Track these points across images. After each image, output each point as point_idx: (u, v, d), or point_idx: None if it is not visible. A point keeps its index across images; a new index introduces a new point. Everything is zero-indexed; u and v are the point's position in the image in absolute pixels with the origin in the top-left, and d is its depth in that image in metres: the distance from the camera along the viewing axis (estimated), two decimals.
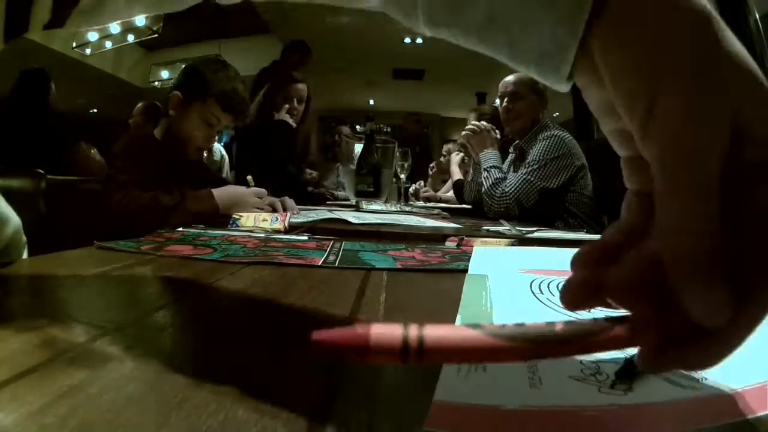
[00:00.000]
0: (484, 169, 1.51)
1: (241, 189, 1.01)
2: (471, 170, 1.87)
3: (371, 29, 4.52)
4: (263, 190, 1.03)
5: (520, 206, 1.42)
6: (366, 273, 0.45)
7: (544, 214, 1.41)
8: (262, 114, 1.85)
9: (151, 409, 0.17)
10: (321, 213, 1.08)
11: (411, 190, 2.53)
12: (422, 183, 2.74)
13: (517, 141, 1.63)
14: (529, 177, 1.43)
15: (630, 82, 0.18)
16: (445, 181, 2.67)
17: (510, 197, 1.41)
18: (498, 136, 1.63)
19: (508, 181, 1.45)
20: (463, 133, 1.64)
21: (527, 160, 1.47)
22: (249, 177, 1.05)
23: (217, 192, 0.97)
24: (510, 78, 1.61)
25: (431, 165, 2.84)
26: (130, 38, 5.04)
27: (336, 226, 0.86)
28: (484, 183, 1.49)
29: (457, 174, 2.24)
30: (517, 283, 0.39)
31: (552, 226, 1.18)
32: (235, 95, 1.19)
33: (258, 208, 0.98)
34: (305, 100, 1.90)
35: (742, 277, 0.16)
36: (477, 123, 1.62)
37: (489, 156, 1.53)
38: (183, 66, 1.26)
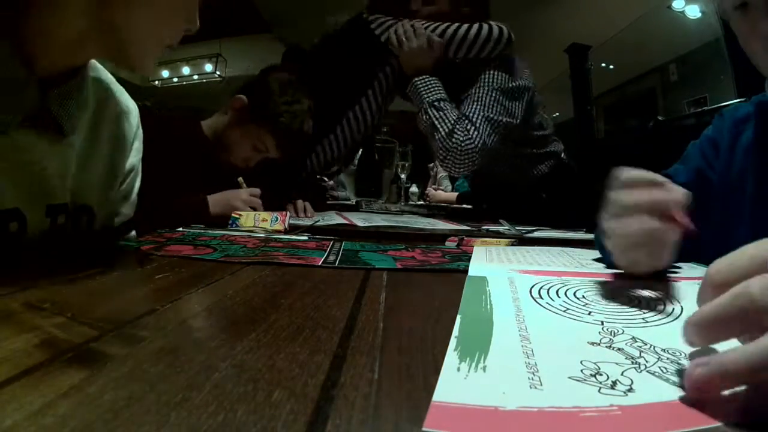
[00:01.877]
0: (430, 105, 1.08)
1: (232, 192, 0.96)
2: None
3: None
4: (257, 190, 0.98)
5: (484, 152, 1.06)
6: (366, 273, 0.45)
7: (548, 204, 1.25)
8: None
9: (151, 409, 0.17)
10: (327, 216, 1.07)
11: (411, 190, 2.54)
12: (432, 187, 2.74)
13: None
14: (488, 114, 1.07)
15: None
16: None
17: (476, 143, 1.05)
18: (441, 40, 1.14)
19: (464, 122, 1.07)
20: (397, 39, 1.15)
21: (473, 95, 1.10)
22: (240, 179, 1.01)
23: (210, 198, 0.94)
24: None
25: (431, 165, 2.85)
26: None
27: (336, 227, 0.86)
28: (438, 127, 1.06)
29: (446, 195, 2.25)
30: (516, 284, 0.39)
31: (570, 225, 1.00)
32: (294, 136, 1.07)
33: (252, 207, 0.95)
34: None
35: None
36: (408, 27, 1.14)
37: (428, 84, 1.08)
38: (261, 70, 1.10)
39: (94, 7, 0.44)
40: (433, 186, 2.64)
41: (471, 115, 1.07)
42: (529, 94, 1.14)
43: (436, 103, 1.08)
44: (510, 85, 1.10)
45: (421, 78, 1.10)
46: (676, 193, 0.35)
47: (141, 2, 0.46)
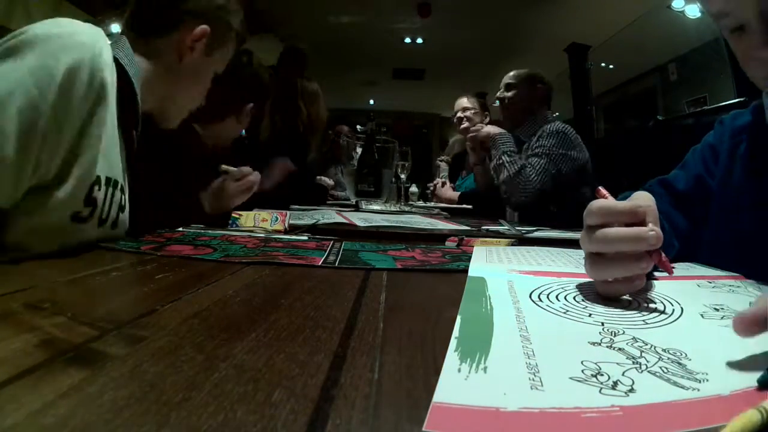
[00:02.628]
0: (503, 153, 1.43)
1: (221, 184, 0.97)
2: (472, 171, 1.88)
3: (371, 29, 4.52)
4: (244, 169, 0.97)
5: (542, 197, 1.36)
6: (366, 273, 0.45)
7: (555, 213, 1.39)
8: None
9: (151, 409, 0.17)
10: (327, 215, 1.07)
11: (411, 190, 2.53)
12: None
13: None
14: (547, 166, 1.39)
15: None
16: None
17: (534, 185, 1.36)
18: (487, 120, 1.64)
19: (527, 169, 1.40)
20: (469, 135, 1.64)
21: (535, 150, 1.43)
22: (223, 166, 0.97)
23: (204, 195, 0.94)
24: (510, 72, 1.66)
25: (439, 159, 2.83)
26: None
27: (336, 227, 0.86)
28: (506, 168, 1.41)
29: (452, 193, 2.26)
30: (516, 287, 0.39)
31: (571, 226, 1.11)
32: (264, 89, 1.22)
33: (241, 190, 0.95)
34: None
35: None
36: (475, 128, 1.64)
37: (505, 138, 1.46)
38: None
39: (164, 91, 0.70)
40: (441, 178, 2.59)
41: (535, 164, 1.39)
42: (581, 163, 1.44)
43: (508, 152, 1.43)
44: (564, 150, 1.41)
45: (500, 134, 1.48)
46: (652, 233, 0.33)
47: (190, 90, 0.75)
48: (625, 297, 0.36)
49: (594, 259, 0.36)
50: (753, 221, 0.53)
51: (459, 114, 2.16)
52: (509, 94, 1.61)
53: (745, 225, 0.54)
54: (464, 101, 2.24)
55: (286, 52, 2.31)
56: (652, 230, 0.34)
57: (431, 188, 2.43)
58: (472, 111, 2.15)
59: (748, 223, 0.54)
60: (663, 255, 0.35)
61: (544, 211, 1.41)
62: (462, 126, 2.18)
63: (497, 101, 1.64)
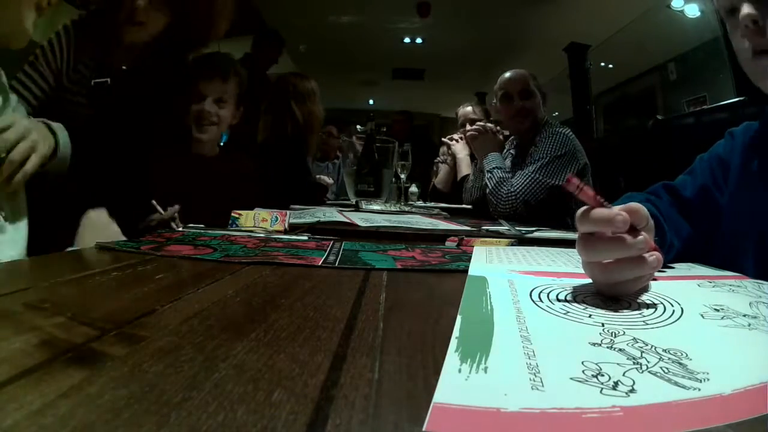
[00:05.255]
0: (487, 171, 1.48)
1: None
2: (471, 174, 1.86)
3: (371, 29, 4.51)
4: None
5: (528, 205, 1.37)
6: (366, 273, 0.45)
7: (550, 214, 1.38)
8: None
9: (151, 409, 0.17)
10: (329, 213, 1.07)
11: (411, 190, 2.52)
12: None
13: (512, 137, 1.64)
14: (536, 175, 1.38)
15: None
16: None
17: (517, 196, 1.37)
18: (502, 136, 1.62)
19: (514, 179, 1.41)
20: (468, 133, 1.63)
21: (533, 158, 1.44)
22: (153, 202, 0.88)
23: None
24: (517, 76, 1.58)
25: (437, 160, 2.82)
26: None
27: (336, 227, 0.86)
28: (488, 184, 1.46)
29: (465, 167, 2.07)
30: (516, 286, 0.39)
31: (562, 226, 1.11)
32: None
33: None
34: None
35: None
36: (482, 124, 1.61)
37: (490, 159, 1.51)
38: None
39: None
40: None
41: (525, 174, 1.41)
42: (579, 164, 1.44)
43: (491, 170, 1.49)
44: (561, 152, 1.41)
45: (488, 159, 1.53)
46: (620, 217, 0.33)
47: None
48: (626, 297, 0.36)
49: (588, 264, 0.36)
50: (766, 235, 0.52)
51: (468, 127, 2.10)
52: (528, 102, 1.52)
53: (755, 236, 0.53)
54: (469, 111, 2.21)
55: (261, 36, 2.35)
56: (620, 214, 0.34)
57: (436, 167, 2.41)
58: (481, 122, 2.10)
59: (760, 236, 0.53)
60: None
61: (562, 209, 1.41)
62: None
63: (514, 110, 1.56)
